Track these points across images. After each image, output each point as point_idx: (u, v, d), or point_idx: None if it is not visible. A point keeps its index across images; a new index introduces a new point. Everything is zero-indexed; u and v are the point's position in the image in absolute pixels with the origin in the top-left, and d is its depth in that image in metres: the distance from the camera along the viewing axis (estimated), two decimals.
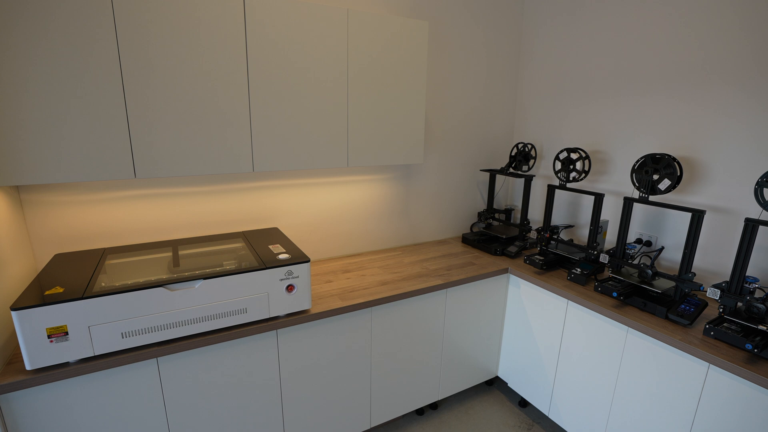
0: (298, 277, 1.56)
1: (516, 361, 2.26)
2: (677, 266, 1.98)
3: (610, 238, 2.28)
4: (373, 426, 2.01)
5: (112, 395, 1.35)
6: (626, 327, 1.67)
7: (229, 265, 1.55)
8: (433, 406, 2.32)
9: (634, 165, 1.82)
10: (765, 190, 1.59)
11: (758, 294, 1.64)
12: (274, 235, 1.86)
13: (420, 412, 2.28)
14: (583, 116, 2.35)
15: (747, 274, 1.74)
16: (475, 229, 2.81)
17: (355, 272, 2.08)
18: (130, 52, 1.35)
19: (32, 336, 1.18)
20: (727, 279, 1.76)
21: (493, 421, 2.23)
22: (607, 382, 1.78)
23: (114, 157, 1.40)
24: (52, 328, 1.20)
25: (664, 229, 2.02)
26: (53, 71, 1.27)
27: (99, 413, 1.34)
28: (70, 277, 1.35)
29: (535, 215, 2.73)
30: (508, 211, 2.67)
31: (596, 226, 2.00)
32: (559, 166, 2.32)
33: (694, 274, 1.66)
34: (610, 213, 2.27)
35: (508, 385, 2.35)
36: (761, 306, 1.39)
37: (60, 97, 1.29)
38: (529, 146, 2.46)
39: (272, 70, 1.61)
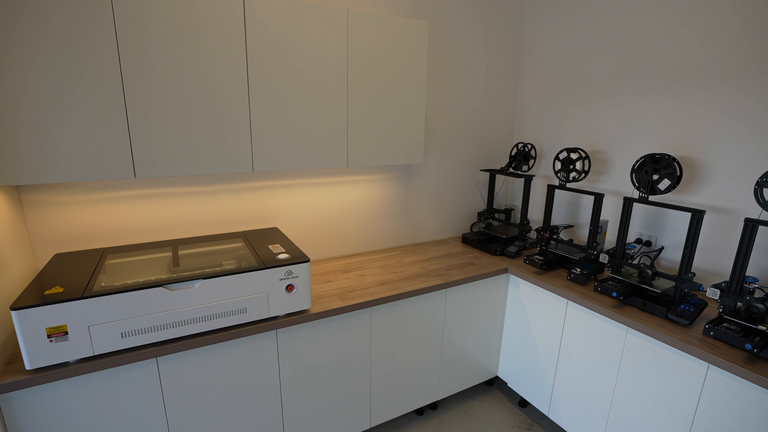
0: (297, 276, 1.56)
1: (516, 361, 2.26)
2: (677, 266, 1.98)
3: (610, 238, 2.28)
4: (372, 426, 2.01)
5: (112, 395, 1.35)
6: (626, 327, 1.67)
7: (229, 265, 1.55)
8: (433, 406, 2.32)
9: (634, 165, 1.82)
10: (765, 190, 1.59)
11: (758, 294, 1.64)
12: (273, 235, 1.86)
13: (420, 412, 2.28)
14: (583, 116, 2.35)
15: (747, 274, 1.74)
16: (475, 229, 2.81)
17: (355, 272, 2.08)
18: (130, 52, 1.35)
19: (32, 336, 1.18)
20: (727, 279, 1.76)
21: (492, 421, 2.23)
22: (607, 382, 1.77)
23: (114, 157, 1.40)
24: (52, 328, 1.20)
25: (663, 229, 2.02)
26: (53, 71, 1.27)
27: (98, 413, 1.34)
28: (69, 277, 1.35)
29: (535, 215, 2.73)
30: (508, 211, 2.67)
31: (596, 226, 2.00)
32: (558, 166, 2.32)
33: (694, 274, 1.66)
34: (610, 213, 2.27)
35: (508, 385, 2.35)
36: (761, 306, 1.39)
37: (60, 97, 1.29)
38: (529, 146, 2.46)
39: (272, 70, 1.61)
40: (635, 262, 2.00)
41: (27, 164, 1.29)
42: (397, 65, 1.89)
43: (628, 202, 1.83)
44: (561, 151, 2.20)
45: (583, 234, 2.43)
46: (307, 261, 1.57)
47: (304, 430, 1.78)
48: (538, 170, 2.68)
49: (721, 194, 1.80)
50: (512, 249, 2.32)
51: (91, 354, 1.27)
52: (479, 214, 2.69)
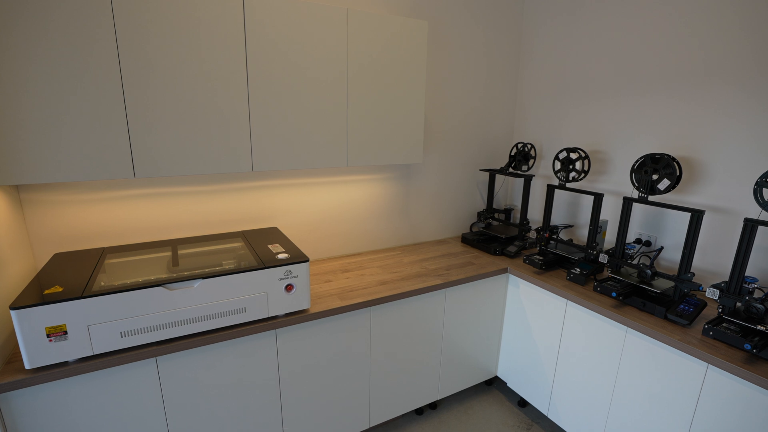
0: (297, 276, 1.56)
1: (515, 361, 2.26)
2: (676, 266, 1.98)
3: (610, 238, 2.28)
4: (372, 426, 2.01)
5: (111, 394, 1.35)
6: (625, 327, 1.67)
7: (229, 265, 1.55)
8: (433, 406, 2.32)
9: (634, 165, 1.82)
10: (764, 190, 1.58)
11: (757, 294, 1.64)
12: (273, 234, 1.86)
13: (419, 411, 2.28)
14: (583, 116, 2.35)
15: (746, 274, 1.74)
16: (474, 229, 2.81)
17: (355, 272, 2.08)
18: (130, 52, 1.36)
19: (31, 335, 1.18)
20: (727, 279, 1.76)
21: (492, 420, 2.23)
22: (606, 381, 1.78)
23: (113, 157, 1.40)
24: (51, 328, 1.20)
25: (663, 229, 2.02)
26: (53, 71, 1.27)
27: (98, 412, 1.35)
28: (69, 277, 1.35)
29: (535, 215, 2.73)
30: (507, 211, 2.67)
31: (595, 226, 2.00)
32: (558, 165, 2.32)
33: (693, 274, 1.66)
34: (610, 213, 2.27)
35: (508, 385, 2.35)
36: (760, 306, 1.39)
37: (60, 97, 1.29)
38: (529, 146, 2.46)
39: (272, 70, 1.61)
40: (635, 262, 2.00)
41: (27, 164, 1.29)
42: (396, 65, 1.89)
43: (627, 202, 1.83)
44: (561, 151, 2.20)
45: (582, 234, 2.43)
46: (307, 261, 1.57)
47: (304, 430, 1.78)
48: (538, 170, 2.68)
49: (721, 194, 1.80)
50: (512, 249, 2.32)
51: (91, 353, 1.28)
52: (479, 213, 2.69)
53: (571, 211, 2.49)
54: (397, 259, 2.29)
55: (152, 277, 1.41)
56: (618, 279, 1.84)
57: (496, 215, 2.71)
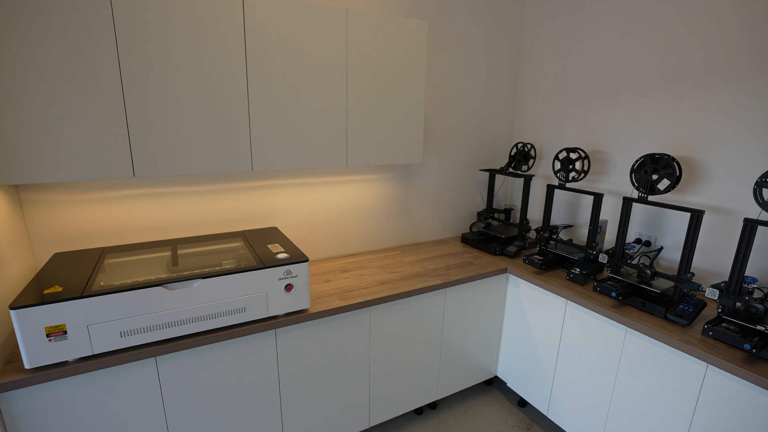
0: (296, 276, 1.56)
1: (515, 360, 2.26)
2: (676, 266, 1.98)
3: (609, 238, 2.28)
4: (372, 425, 2.01)
5: (111, 394, 1.35)
6: (625, 327, 1.67)
7: (228, 265, 1.55)
8: (432, 406, 2.32)
9: (634, 165, 1.82)
10: (764, 190, 1.58)
11: (757, 294, 1.64)
12: (272, 234, 1.86)
13: (419, 411, 2.28)
14: (583, 116, 2.35)
15: (746, 274, 1.74)
16: (474, 229, 2.81)
17: (354, 272, 2.08)
18: (130, 52, 1.36)
19: (31, 335, 1.18)
20: (726, 279, 1.76)
21: (492, 420, 2.23)
22: (606, 381, 1.78)
23: (113, 157, 1.40)
24: (51, 327, 1.20)
25: (663, 229, 2.02)
26: (53, 71, 1.27)
27: (98, 412, 1.35)
28: (69, 276, 1.35)
29: (535, 215, 2.73)
30: (507, 211, 2.66)
31: (595, 225, 2.00)
32: (558, 165, 2.32)
33: (693, 274, 1.66)
34: (610, 213, 2.27)
35: (507, 384, 2.35)
36: (760, 306, 1.39)
37: (60, 97, 1.29)
38: (529, 146, 2.46)
39: (271, 70, 1.61)
40: (634, 262, 2.00)
41: (27, 164, 1.30)
42: (396, 65, 1.89)
43: (627, 202, 1.83)
44: (560, 151, 2.20)
45: (582, 234, 2.43)
46: (306, 260, 1.57)
47: (303, 430, 1.78)
48: (538, 170, 2.68)
49: (721, 194, 1.80)
50: (512, 249, 2.32)
51: (90, 353, 1.28)
52: (479, 213, 2.69)
53: (570, 211, 2.49)
54: (396, 259, 2.29)
55: (152, 277, 1.41)
56: (618, 279, 1.84)
57: (495, 215, 2.71)
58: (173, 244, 1.74)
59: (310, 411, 1.78)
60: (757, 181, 1.43)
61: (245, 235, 1.84)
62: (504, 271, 2.18)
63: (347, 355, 1.81)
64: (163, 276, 1.41)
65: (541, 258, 2.14)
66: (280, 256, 1.58)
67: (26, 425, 1.25)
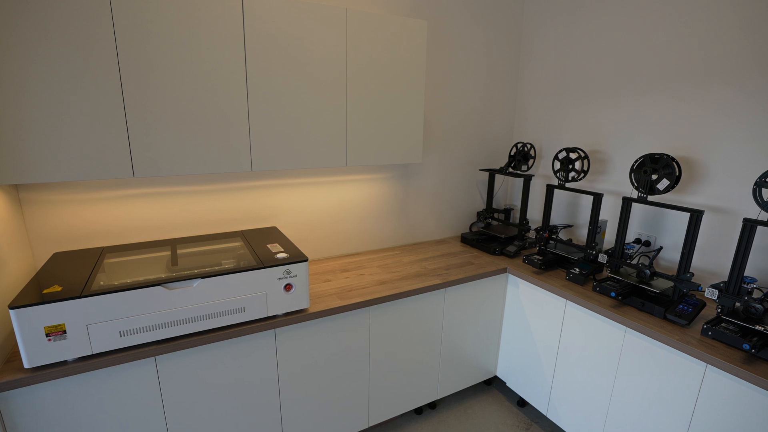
0: (296, 276, 1.56)
1: (514, 360, 2.26)
2: (676, 266, 1.98)
3: (609, 238, 2.28)
4: (371, 425, 2.01)
5: (111, 393, 1.36)
6: (624, 327, 1.67)
7: (228, 264, 1.55)
8: (432, 406, 2.33)
9: (633, 165, 1.82)
10: (763, 190, 1.58)
11: (756, 294, 1.64)
12: (272, 234, 1.87)
13: (418, 411, 2.29)
14: (583, 116, 2.35)
15: (745, 274, 1.74)
16: (474, 229, 2.81)
17: (354, 271, 2.08)
18: (130, 52, 1.36)
19: (30, 334, 1.19)
20: (726, 279, 1.75)
21: (491, 420, 2.23)
22: (605, 381, 1.78)
23: (113, 157, 1.40)
24: (50, 327, 1.20)
25: (662, 229, 2.02)
26: (53, 71, 1.27)
27: (97, 411, 1.35)
28: (68, 276, 1.35)
29: (534, 215, 2.73)
30: (507, 211, 2.66)
31: (595, 225, 2.00)
32: (558, 165, 2.32)
33: (693, 274, 1.65)
34: (609, 213, 2.26)
35: (507, 384, 2.36)
36: (759, 306, 1.39)
37: (59, 97, 1.29)
38: (529, 146, 2.46)
39: (271, 71, 1.61)
40: (634, 262, 2.00)
41: (26, 163, 1.30)
42: (396, 65, 1.90)
43: (626, 202, 1.83)
44: (560, 151, 2.20)
45: (582, 234, 2.43)
46: (306, 260, 1.57)
47: (303, 430, 1.79)
48: (538, 170, 2.67)
49: (720, 194, 1.80)
50: (511, 249, 2.32)
51: (90, 353, 1.28)
52: (478, 213, 2.69)
53: (570, 211, 2.49)
54: (396, 258, 2.29)
55: (151, 277, 1.41)
56: (617, 279, 1.84)
57: (495, 215, 2.71)
58: (173, 244, 1.74)
59: (309, 410, 1.78)
60: (756, 181, 1.43)
61: (245, 235, 1.85)
62: (503, 270, 2.18)
63: (347, 355, 1.81)
64: (163, 276, 1.41)
65: (540, 258, 2.14)
66: (280, 255, 1.58)
67: (26, 425, 1.26)
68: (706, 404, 1.43)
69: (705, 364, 1.42)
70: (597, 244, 2.06)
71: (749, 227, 1.43)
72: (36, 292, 1.23)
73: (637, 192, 2.10)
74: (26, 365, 1.21)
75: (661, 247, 1.97)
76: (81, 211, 1.67)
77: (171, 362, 1.43)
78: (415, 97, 1.99)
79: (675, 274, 1.75)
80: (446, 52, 2.39)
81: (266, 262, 1.52)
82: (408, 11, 2.20)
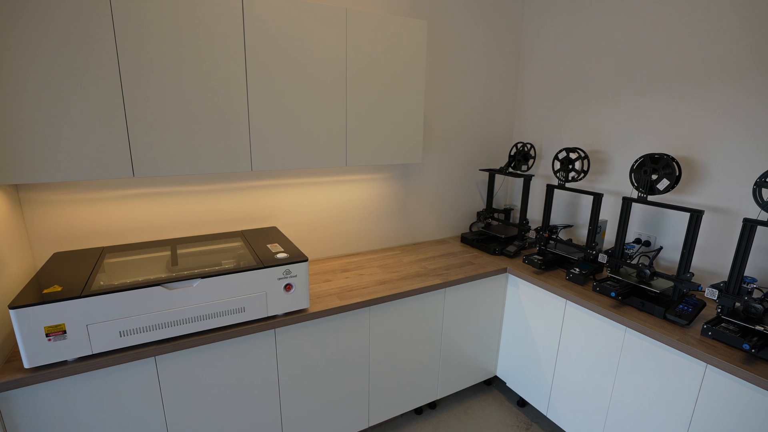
0: (296, 276, 1.56)
1: (514, 360, 2.26)
2: (676, 266, 1.98)
3: (609, 238, 2.28)
4: (371, 425, 2.01)
5: (110, 393, 1.36)
6: (624, 327, 1.67)
7: (228, 264, 1.55)
8: (432, 406, 2.33)
9: (633, 165, 1.82)
10: (763, 190, 1.58)
11: (756, 294, 1.64)
12: (272, 234, 1.87)
13: (418, 411, 2.29)
14: (583, 116, 2.35)
15: (745, 274, 1.74)
16: (474, 229, 2.81)
17: (354, 271, 2.08)
18: (130, 52, 1.36)
19: (30, 334, 1.19)
20: (726, 279, 1.75)
21: (491, 420, 2.23)
22: (605, 381, 1.78)
23: (113, 157, 1.40)
24: (50, 327, 1.20)
25: (662, 229, 2.02)
26: (53, 71, 1.27)
27: (97, 411, 1.35)
28: (68, 276, 1.35)
29: (534, 215, 2.73)
30: (507, 211, 2.66)
31: (595, 225, 2.00)
32: (558, 165, 2.32)
33: (693, 274, 1.65)
34: (609, 213, 2.26)
35: (507, 384, 2.36)
36: (759, 306, 1.39)
37: (59, 97, 1.29)
38: (529, 146, 2.46)
39: (271, 71, 1.61)
40: (634, 262, 2.00)
41: (26, 163, 1.30)
42: (396, 65, 1.90)
43: (626, 202, 1.83)
44: (560, 151, 2.20)
45: (582, 234, 2.43)
46: (306, 260, 1.57)
47: (303, 430, 1.79)
48: (538, 170, 2.67)
49: (720, 194, 1.80)
50: (511, 249, 2.32)
51: (90, 353, 1.28)
52: (478, 213, 2.69)
53: (570, 211, 2.49)
54: (396, 258, 2.29)
55: (151, 277, 1.41)
56: (617, 279, 1.84)
57: (495, 215, 2.71)
58: (173, 244, 1.74)
59: (309, 410, 1.78)
60: (756, 181, 1.43)
61: (245, 235, 1.85)
62: (503, 271, 2.18)
63: (346, 355, 1.81)
64: (163, 276, 1.41)
65: (540, 258, 2.14)
66: (280, 255, 1.58)
67: (26, 424, 1.26)
68: (706, 404, 1.43)
69: (705, 364, 1.42)
70: (597, 244, 2.06)
71: (749, 227, 1.43)
72: (36, 292, 1.23)
73: (637, 192, 2.10)
74: (26, 365, 1.21)
75: (661, 247, 1.97)
76: (81, 211, 1.67)
77: (171, 362, 1.43)
78: (415, 97, 1.99)
79: (675, 274, 1.75)
80: (446, 52, 2.39)
81: (266, 262, 1.52)
82: (408, 11, 2.20)
